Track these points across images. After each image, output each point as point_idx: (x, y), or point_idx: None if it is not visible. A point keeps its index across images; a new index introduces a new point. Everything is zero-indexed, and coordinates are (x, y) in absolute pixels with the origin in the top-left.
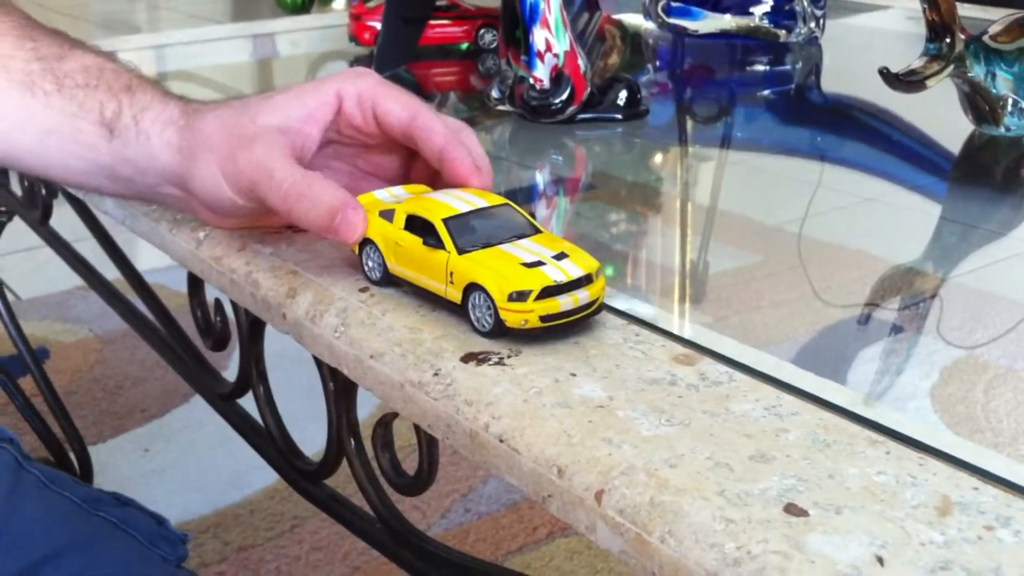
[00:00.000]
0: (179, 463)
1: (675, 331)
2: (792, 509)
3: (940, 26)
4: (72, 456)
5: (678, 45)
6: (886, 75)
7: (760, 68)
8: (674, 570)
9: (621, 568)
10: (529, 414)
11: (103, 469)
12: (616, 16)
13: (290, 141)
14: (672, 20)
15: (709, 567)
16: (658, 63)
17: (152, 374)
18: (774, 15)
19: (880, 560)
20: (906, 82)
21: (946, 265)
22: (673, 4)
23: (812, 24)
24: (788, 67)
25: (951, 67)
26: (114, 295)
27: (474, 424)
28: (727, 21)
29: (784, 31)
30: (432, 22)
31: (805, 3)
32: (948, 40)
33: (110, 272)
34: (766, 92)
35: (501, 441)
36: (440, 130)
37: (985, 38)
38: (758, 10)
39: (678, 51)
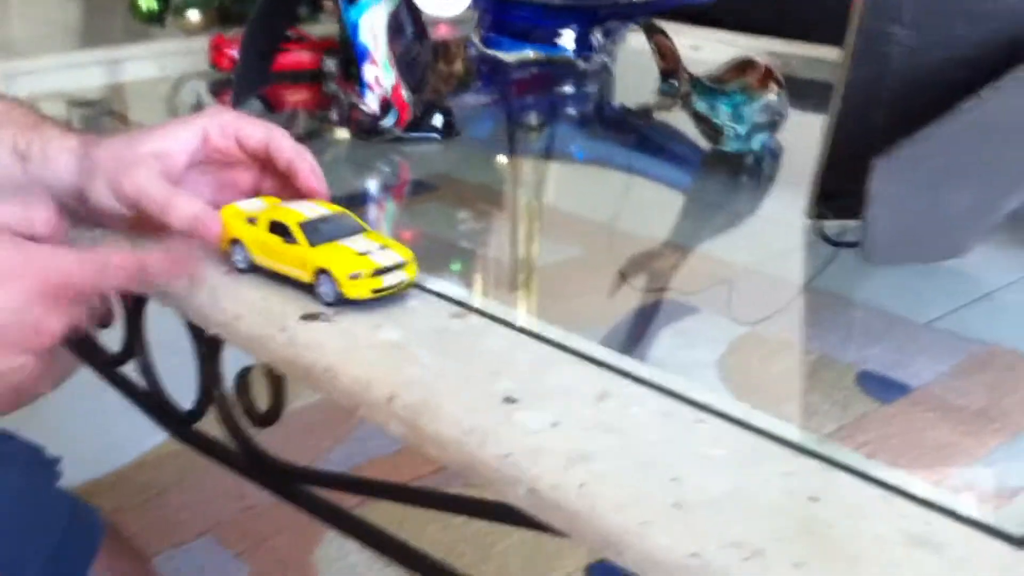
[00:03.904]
0: (50, 441)
1: (454, 297)
2: (508, 400)
3: (668, 70)
4: None
5: (499, 70)
6: (625, 109)
7: (562, 90)
8: (436, 441)
9: (449, 516)
10: (347, 352)
11: None
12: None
13: (162, 164)
14: (488, 51)
15: (455, 436)
16: (480, 84)
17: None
18: (576, 47)
19: (555, 424)
20: (638, 114)
21: (688, 238)
22: (491, 35)
23: (604, 56)
24: (586, 89)
25: (679, 102)
26: None
27: (308, 361)
28: (528, 53)
29: (582, 60)
30: (283, 51)
31: (599, 36)
32: (675, 82)
33: None
34: (567, 110)
35: (327, 370)
36: (289, 146)
37: (705, 79)
38: (561, 41)
39: (498, 75)
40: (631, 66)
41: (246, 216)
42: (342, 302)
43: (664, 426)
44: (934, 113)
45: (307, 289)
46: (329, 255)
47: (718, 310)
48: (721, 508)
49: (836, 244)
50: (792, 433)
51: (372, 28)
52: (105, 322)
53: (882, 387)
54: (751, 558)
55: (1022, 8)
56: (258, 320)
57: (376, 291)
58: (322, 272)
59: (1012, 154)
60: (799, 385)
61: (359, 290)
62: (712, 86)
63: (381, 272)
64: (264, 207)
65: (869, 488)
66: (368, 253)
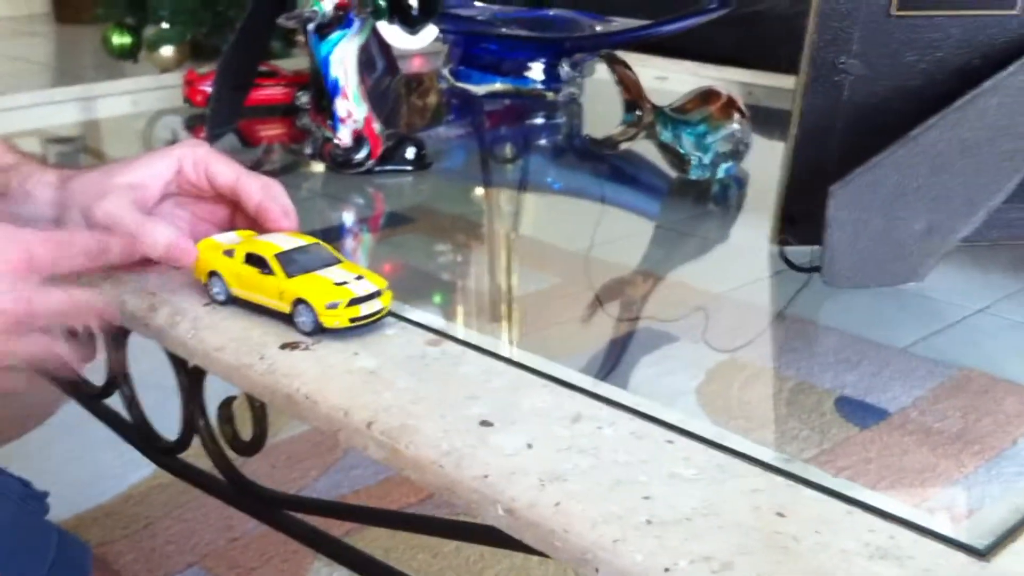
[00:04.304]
0: (37, 476)
1: (429, 325)
2: (484, 423)
3: (632, 102)
4: None
5: (470, 102)
6: (590, 140)
7: (532, 122)
8: (415, 464)
9: (433, 542)
10: (326, 379)
11: None
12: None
13: (136, 194)
14: (458, 83)
15: (433, 459)
16: (451, 117)
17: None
18: (545, 79)
19: (530, 445)
20: (604, 145)
21: (668, 269)
22: (460, 69)
23: (572, 87)
24: (555, 120)
25: (643, 132)
26: None
27: (288, 389)
28: (498, 86)
29: (551, 92)
30: (256, 86)
31: (567, 68)
32: (639, 112)
33: None
34: (537, 142)
35: (307, 398)
36: (257, 188)
37: (668, 109)
38: (530, 74)
39: (469, 107)
40: (599, 97)
41: (223, 249)
42: (320, 331)
43: (636, 446)
44: (887, 140)
45: (285, 319)
46: (307, 286)
47: (693, 337)
48: (691, 524)
49: (799, 269)
50: (759, 451)
51: (343, 62)
52: (88, 356)
53: (860, 412)
54: (720, 571)
55: (967, 38)
56: (238, 350)
57: (354, 320)
58: (300, 302)
59: (961, 180)
60: (777, 411)
61: (337, 319)
62: (675, 116)
63: (358, 301)
64: (240, 240)
65: (835, 503)
66: (345, 283)
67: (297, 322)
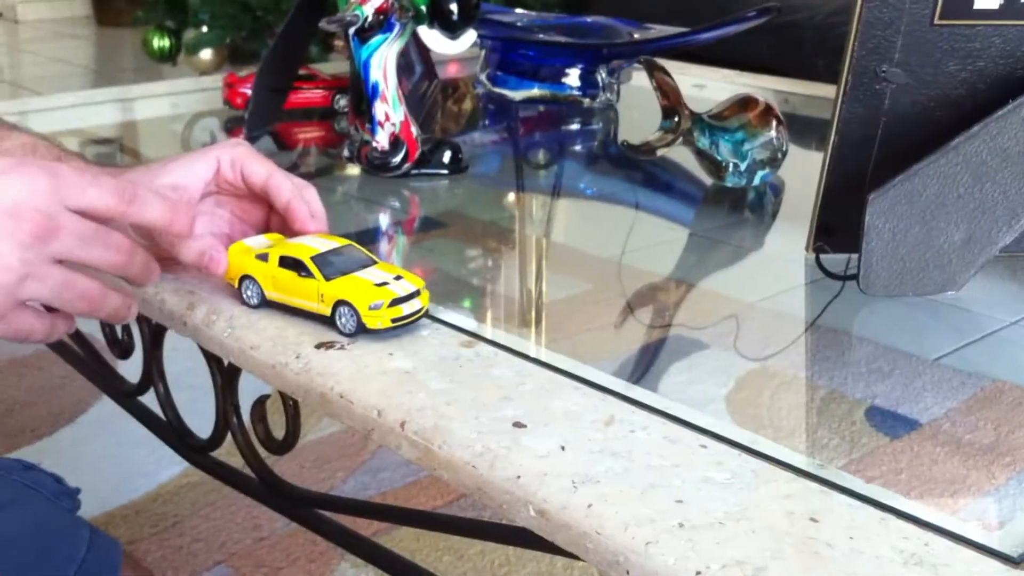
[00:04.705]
0: (68, 474)
1: (461, 326)
2: (517, 425)
3: (670, 108)
4: None
5: (506, 107)
6: (627, 146)
7: (568, 127)
8: (448, 465)
9: (459, 545)
10: (361, 379)
11: None
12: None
13: (179, 196)
14: (496, 89)
15: (466, 459)
16: (487, 122)
17: (39, 398)
18: (581, 85)
19: (563, 448)
20: (641, 151)
21: (694, 275)
22: (497, 74)
23: (609, 94)
24: (591, 126)
25: (680, 139)
26: None
27: (323, 388)
28: (535, 91)
29: (588, 98)
30: (295, 89)
31: (604, 74)
32: (677, 119)
33: None
34: (573, 148)
35: (341, 397)
36: (287, 187)
37: (706, 116)
38: (567, 80)
39: (505, 112)
40: (635, 103)
41: (255, 253)
42: (363, 332)
43: (669, 450)
44: (926, 149)
45: (321, 320)
46: (348, 287)
47: (725, 345)
48: (724, 528)
49: (836, 277)
50: (792, 457)
51: (382, 66)
52: (124, 353)
53: (891, 422)
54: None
55: (1009, 48)
56: (274, 349)
57: (395, 320)
58: (342, 304)
59: (1002, 190)
60: (808, 420)
61: (380, 320)
62: (713, 123)
63: (399, 301)
64: (270, 243)
65: (868, 510)
66: (385, 283)
67: (339, 324)
